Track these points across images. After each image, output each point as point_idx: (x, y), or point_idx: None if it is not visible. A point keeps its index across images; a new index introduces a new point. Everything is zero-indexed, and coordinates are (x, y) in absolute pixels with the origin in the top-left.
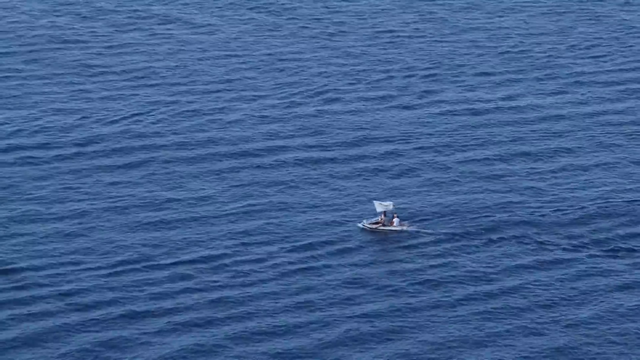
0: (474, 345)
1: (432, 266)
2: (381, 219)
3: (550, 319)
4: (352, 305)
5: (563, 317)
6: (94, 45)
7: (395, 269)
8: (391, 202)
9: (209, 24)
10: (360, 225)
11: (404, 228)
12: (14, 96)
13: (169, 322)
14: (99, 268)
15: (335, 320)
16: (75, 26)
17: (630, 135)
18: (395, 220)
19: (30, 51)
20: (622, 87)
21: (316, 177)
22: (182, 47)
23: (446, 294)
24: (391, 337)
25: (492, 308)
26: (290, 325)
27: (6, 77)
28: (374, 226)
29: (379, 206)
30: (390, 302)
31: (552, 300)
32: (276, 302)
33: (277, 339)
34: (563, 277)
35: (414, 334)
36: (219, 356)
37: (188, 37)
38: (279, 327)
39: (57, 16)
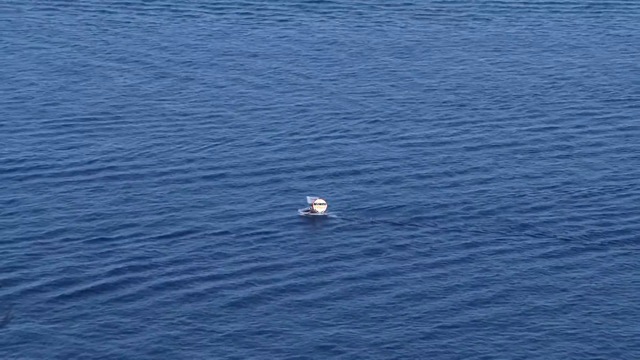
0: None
1: (343, 240)
2: (311, 208)
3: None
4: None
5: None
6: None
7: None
8: (318, 197)
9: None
10: (299, 212)
11: (327, 214)
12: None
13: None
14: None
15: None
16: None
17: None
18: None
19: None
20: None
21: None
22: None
23: (352, 265)
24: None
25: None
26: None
27: None
28: (306, 213)
29: (310, 199)
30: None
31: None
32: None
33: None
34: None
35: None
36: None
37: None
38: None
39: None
